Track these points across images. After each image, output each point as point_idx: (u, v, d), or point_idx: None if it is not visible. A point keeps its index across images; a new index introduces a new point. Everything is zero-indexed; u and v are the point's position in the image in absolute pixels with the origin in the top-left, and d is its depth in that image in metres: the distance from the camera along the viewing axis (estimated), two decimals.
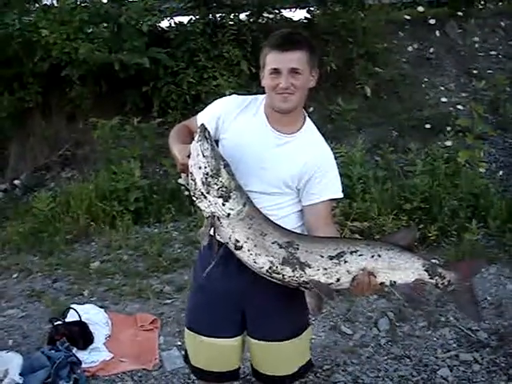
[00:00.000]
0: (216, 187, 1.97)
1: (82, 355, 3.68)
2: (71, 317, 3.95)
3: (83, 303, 4.26)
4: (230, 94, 5.98)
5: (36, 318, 4.14)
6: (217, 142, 2.26)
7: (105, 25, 6.21)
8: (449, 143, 5.93)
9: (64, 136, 6.86)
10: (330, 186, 2.23)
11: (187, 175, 2.04)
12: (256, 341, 2.34)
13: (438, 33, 7.71)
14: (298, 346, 2.37)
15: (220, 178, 1.96)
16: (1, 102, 6.45)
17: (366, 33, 6.81)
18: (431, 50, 7.61)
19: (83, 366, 3.60)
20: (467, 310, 2.29)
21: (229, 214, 1.99)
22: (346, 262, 2.04)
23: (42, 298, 4.48)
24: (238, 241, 2.03)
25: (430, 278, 2.11)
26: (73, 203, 5.59)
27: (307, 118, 2.31)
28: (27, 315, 4.25)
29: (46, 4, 6.20)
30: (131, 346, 3.85)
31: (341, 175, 5.71)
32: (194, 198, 2.03)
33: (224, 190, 1.97)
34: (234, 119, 2.26)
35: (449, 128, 6.21)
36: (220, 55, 6.51)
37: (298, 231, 2.23)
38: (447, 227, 5.08)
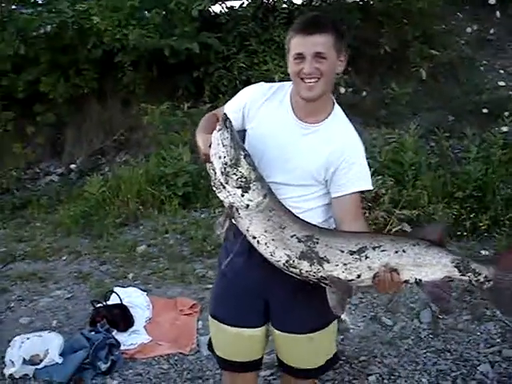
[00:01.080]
0: (235, 177, 1.92)
1: (121, 337, 3.74)
2: (113, 300, 4.04)
3: (127, 286, 4.34)
4: (279, 79, 5.99)
5: (81, 300, 4.24)
6: (244, 131, 2.23)
7: (156, 11, 6.24)
8: (505, 129, 5.68)
9: (118, 121, 7.00)
10: (357, 178, 2.11)
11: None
12: (280, 332, 2.30)
13: (498, 13, 7.38)
14: (322, 340, 2.30)
15: (239, 168, 1.92)
16: (57, 89, 6.61)
17: (422, 14, 6.58)
18: (491, 31, 7.31)
19: (122, 348, 3.66)
20: (507, 310, 2.13)
21: (247, 206, 1.94)
22: (367, 257, 1.94)
23: (88, 280, 4.60)
24: (254, 233, 1.98)
25: (462, 275, 1.97)
26: (123, 187, 5.70)
27: (335, 105, 2.20)
28: (73, 297, 4.37)
29: None
30: (170, 329, 3.90)
31: (392, 161, 5.62)
32: (214, 188, 1.99)
33: (243, 180, 1.93)
34: (259, 108, 2.20)
35: (507, 113, 5.94)
36: (271, 39, 6.46)
37: (326, 225, 2.17)
38: (500, 217, 4.87)
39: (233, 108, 2.25)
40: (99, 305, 3.95)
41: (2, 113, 6.80)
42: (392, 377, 3.29)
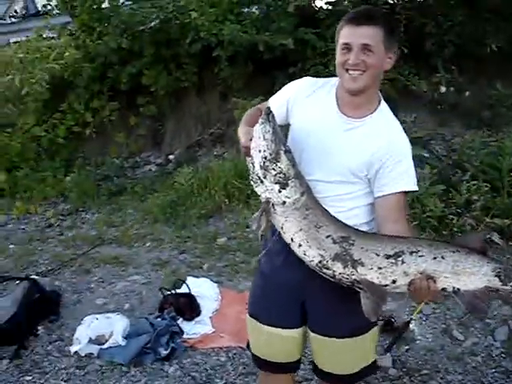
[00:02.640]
0: (274, 172, 1.88)
1: (186, 326, 3.82)
2: (183, 288, 4.12)
3: (200, 276, 4.42)
4: None
5: (155, 286, 4.35)
6: (288, 126, 2.21)
7: (255, 6, 6.29)
8: None
9: (216, 114, 7.12)
10: (402, 177, 2.02)
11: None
12: (314, 334, 2.25)
13: None
14: (358, 346, 2.22)
15: (278, 164, 1.88)
16: (159, 82, 6.83)
17: None
18: None
19: (185, 336, 3.74)
20: None
21: (284, 202, 1.90)
22: (403, 262, 1.86)
23: (165, 267, 4.73)
24: (289, 230, 1.94)
25: (503, 285, 1.88)
26: (211, 180, 5.80)
27: (382, 102, 2.12)
28: (148, 282, 4.52)
29: None
30: (234, 322, 3.90)
31: (489, 166, 5.34)
32: (252, 182, 1.97)
33: (282, 176, 1.88)
34: (303, 103, 2.17)
35: None
36: None
37: (366, 227, 2.09)
38: None
39: (277, 102, 2.23)
40: (168, 292, 4.06)
41: (108, 103, 7.12)
42: None
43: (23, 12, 14.14)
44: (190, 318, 3.91)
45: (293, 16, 6.18)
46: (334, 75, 6.40)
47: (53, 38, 8.02)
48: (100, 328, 3.71)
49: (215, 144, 7.09)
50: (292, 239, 1.94)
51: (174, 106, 7.22)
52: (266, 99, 6.60)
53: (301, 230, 1.92)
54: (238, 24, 6.01)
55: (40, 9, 9.46)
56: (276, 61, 6.42)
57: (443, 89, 6.26)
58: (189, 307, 3.96)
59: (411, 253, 1.86)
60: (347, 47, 1.98)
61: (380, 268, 1.87)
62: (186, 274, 4.45)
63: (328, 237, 1.90)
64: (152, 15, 6.47)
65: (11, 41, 9.49)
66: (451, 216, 4.87)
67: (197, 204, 5.67)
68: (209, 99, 7.16)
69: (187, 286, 4.10)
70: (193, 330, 3.83)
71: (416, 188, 2.07)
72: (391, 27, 2.02)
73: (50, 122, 7.10)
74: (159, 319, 3.81)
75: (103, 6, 6.85)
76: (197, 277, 4.40)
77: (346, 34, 1.98)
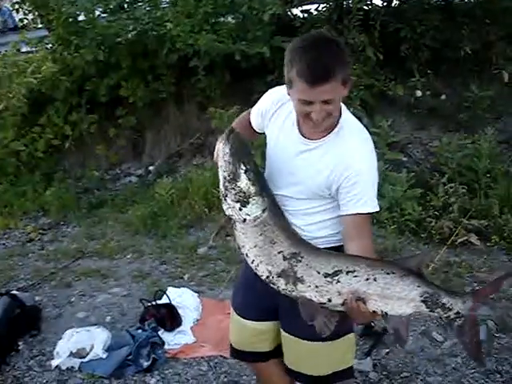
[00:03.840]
0: (233, 192, 1.93)
1: (167, 337, 3.83)
2: (164, 299, 4.12)
3: (181, 287, 4.42)
4: (352, 83, 5.83)
5: (136, 298, 4.32)
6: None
7: (231, 16, 6.33)
8: None
9: (195, 124, 7.13)
10: (358, 199, 1.99)
11: None
12: (283, 332, 2.33)
13: None
14: (331, 351, 2.24)
15: (238, 183, 1.92)
16: (137, 93, 6.83)
17: (506, 14, 6.24)
18: None
19: (166, 347, 3.74)
20: (471, 350, 1.96)
21: (245, 220, 1.95)
22: (338, 281, 1.89)
23: (146, 278, 4.73)
24: (245, 246, 2.00)
25: (430, 311, 1.87)
26: (191, 190, 5.81)
27: (343, 118, 2.06)
28: (129, 294, 4.51)
29: None
30: (215, 331, 3.90)
31: (466, 168, 5.40)
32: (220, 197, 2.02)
33: (242, 195, 1.93)
34: (270, 119, 2.20)
35: None
36: (345, 42, 6.32)
37: (339, 236, 2.11)
38: None
39: (254, 112, 2.32)
40: (149, 304, 4.06)
41: (87, 116, 7.11)
42: None
43: (1, 26, 14.08)
44: (171, 329, 3.91)
45: (268, 25, 6.21)
46: None
47: (30, 52, 8.00)
48: (80, 341, 3.70)
49: (195, 154, 7.09)
50: (247, 254, 2.01)
51: (153, 116, 7.22)
52: (244, 108, 6.66)
53: (255, 246, 1.97)
54: (214, 34, 6.02)
55: (17, 23, 9.41)
56: (253, 69, 6.45)
57: (419, 93, 6.32)
58: (170, 318, 3.96)
59: (347, 272, 1.88)
60: (308, 102, 1.93)
61: (317, 286, 1.92)
62: (167, 285, 4.44)
63: (280, 253, 1.95)
64: (128, 27, 6.49)
65: None
66: (429, 219, 4.93)
67: (177, 214, 5.67)
68: (187, 109, 7.17)
69: (168, 296, 4.09)
70: (174, 340, 3.83)
71: (373, 210, 2.02)
72: (343, 62, 1.93)
73: (28, 136, 7.05)
74: (140, 331, 3.81)
75: (79, 18, 6.84)
76: (177, 287, 4.39)
77: (304, 91, 1.90)
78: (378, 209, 2.03)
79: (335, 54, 1.91)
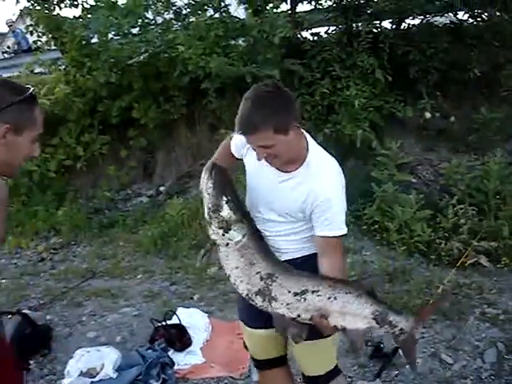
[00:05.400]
0: (217, 220, 2.13)
1: (177, 357, 3.83)
2: (174, 319, 4.14)
3: (190, 307, 4.43)
4: (360, 104, 5.87)
5: (146, 318, 4.34)
6: None
7: (242, 39, 6.41)
8: None
9: (206, 146, 7.17)
10: (327, 223, 2.18)
11: None
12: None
13: None
14: (321, 350, 2.43)
15: (221, 213, 2.12)
16: (149, 114, 6.92)
17: None
18: None
19: (176, 367, 3.74)
20: (409, 357, 2.26)
21: (227, 244, 2.15)
22: (305, 300, 2.11)
23: (156, 299, 4.74)
24: (228, 267, 2.20)
25: (380, 327, 2.10)
26: (201, 210, 5.82)
27: (310, 152, 2.22)
28: (139, 314, 4.53)
29: (185, 20, 6.54)
30: (225, 352, 3.93)
31: (475, 190, 5.40)
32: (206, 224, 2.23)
33: (224, 223, 2.13)
34: (248, 149, 2.31)
35: None
36: (354, 64, 6.40)
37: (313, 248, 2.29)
38: None
39: (234, 141, 2.43)
40: (159, 324, 4.08)
41: (99, 137, 7.20)
42: None
43: (15, 48, 14.30)
44: (180, 349, 3.92)
45: (278, 47, 6.30)
46: (320, 104, 6.42)
47: (43, 73, 8.12)
48: (91, 361, 3.71)
49: None
50: (229, 275, 2.21)
51: (165, 138, 7.30)
52: None
53: (237, 267, 2.17)
54: (225, 56, 6.11)
55: (30, 44, 9.57)
56: None
57: (428, 115, 6.38)
58: (179, 338, 3.97)
59: (313, 292, 2.10)
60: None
61: (288, 304, 2.13)
62: (177, 305, 4.46)
63: (257, 273, 2.15)
64: (140, 49, 6.59)
65: (3, 76, 9.58)
66: (439, 240, 4.93)
67: (188, 235, 5.70)
68: (199, 131, 7.24)
69: (177, 317, 4.11)
70: (184, 360, 3.84)
71: (340, 233, 2.19)
72: (278, 114, 2.04)
73: (41, 157, 7.13)
74: (150, 351, 3.82)
75: (92, 41, 6.96)
76: (187, 307, 4.41)
77: (243, 137, 2.13)
78: (344, 232, 2.21)
79: (268, 107, 2.03)
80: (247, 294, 2.18)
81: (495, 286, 4.45)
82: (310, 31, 6.94)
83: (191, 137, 7.27)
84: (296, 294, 2.11)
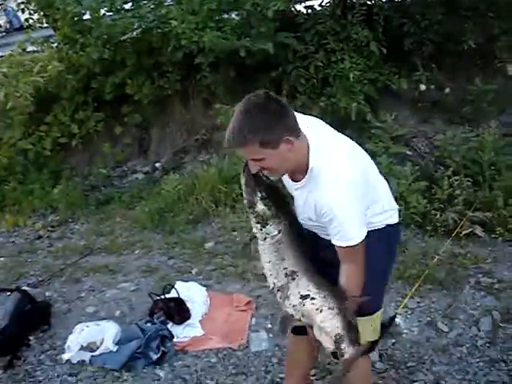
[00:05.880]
0: (254, 215, 2.26)
1: (176, 330, 3.89)
2: (173, 293, 4.18)
3: (189, 281, 4.47)
4: (355, 77, 5.83)
5: (145, 292, 4.39)
6: None
7: (235, 12, 6.36)
8: None
9: (200, 121, 7.17)
10: (335, 233, 2.21)
11: None
12: None
13: None
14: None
15: (255, 209, 2.24)
16: (143, 91, 6.88)
17: (510, 7, 6.24)
18: None
19: (175, 340, 3.81)
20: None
21: (265, 238, 2.28)
22: (304, 305, 2.26)
23: (154, 273, 4.78)
24: (263, 260, 2.34)
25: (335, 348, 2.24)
26: (198, 185, 5.86)
27: (311, 163, 2.19)
28: (138, 289, 4.57)
29: None
30: (223, 324, 3.98)
31: (470, 161, 5.42)
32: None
33: (260, 218, 2.25)
34: None
35: None
36: (349, 37, 6.35)
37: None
38: None
39: None
40: (158, 298, 4.11)
41: (93, 114, 7.17)
42: None
43: (7, 26, 14.15)
44: (179, 322, 3.97)
45: (272, 21, 6.23)
46: (314, 78, 6.41)
47: (36, 51, 8.05)
48: (91, 335, 3.77)
49: (200, 150, 7.13)
50: (263, 267, 2.35)
51: (159, 114, 7.27)
52: None
53: (270, 261, 2.30)
54: (219, 31, 6.05)
55: (22, 23, 9.47)
56: (258, 65, 6.48)
57: (423, 87, 6.35)
58: (178, 311, 4.02)
59: (312, 298, 2.25)
60: None
61: (294, 306, 2.28)
62: (175, 279, 4.50)
63: (284, 269, 2.28)
64: (133, 25, 6.53)
65: None
66: (434, 211, 4.96)
67: (184, 210, 5.73)
68: (193, 106, 7.21)
69: (176, 290, 4.15)
70: (183, 333, 3.90)
71: (350, 243, 2.18)
72: (266, 128, 2.05)
73: (36, 135, 7.12)
74: (149, 324, 3.87)
75: (84, 17, 6.89)
76: (186, 281, 4.45)
77: None
78: (356, 242, 2.18)
79: (255, 121, 2.04)
80: (272, 288, 2.32)
81: (490, 255, 4.49)
82: (303, 4, 6.85)
83: (186, 112, 7.24)
84: (301, 297, 2.24)
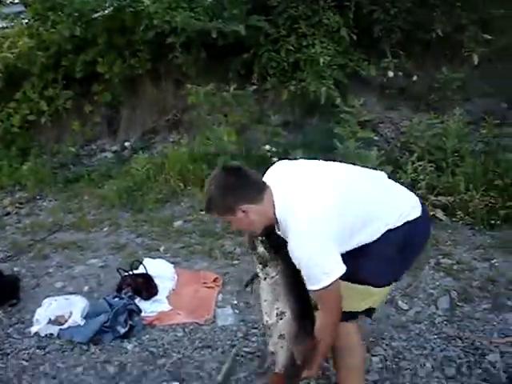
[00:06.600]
0: (256, 256, 2.46)
1: (143, 305, 3.95)
2: (141, 269, 4.23)
3: (157, 258, 4.53)
4: (325, 62, 5.89)
5: (113, 269, 4.43)
6: None
7: None
8: None
9: (171, 101, 7.20)
10: (307, 279, 2.30)
11: None
12: None
13: None
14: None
15: (257, 250, 2.45)
16: (113, 69, 6.87)
17: None
18: None
19: (143, 314, 3.86)
20: None
21: (265, 278, 2.47)
22: (282, 347, 2.52)
23: (123, 250, 4.84)
24: (261, 297, 2.53)
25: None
26: (167, 165, 5.91)
27: (277, 209, 2.34)
28: (106, 265, 4.63)
29: None
30: (190, 300, 4.05)
31: (435, 147, 5.56)
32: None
33: (261, 259, 2.45)
34: None
35: None
36: (320, 22, 6.43)
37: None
38: None
39: None
40: (126, 273, 4.17)
41: (62, 92, 7.13)
42: (396, 359, 3.28)
43: None
44: (147, 298, 4.02)
45: (244, 3, 6.28)
46: (285, 61, 6.45)
47: (6, 27, 7.96)
48: (59, 309, 3.81)
49: (171, 130, 7.17)
50: (260, 304, 2.56)
51: (129, 93, 7.27)
52: (221, 85, 6.72)
53: (266, 300, 2.51)
54: (191, 11, 6.08)
55: None
56: (229, 47, 6.52)
57: (391, 73, 6.47)
58: (146, 287, 4.07)
59: (279, 336, 2.48)
60: None
61: (274, 344, 2.51)
62: (143, 257, 4.55)
63: (277, 309, 2.47)
64: (105, 3, 6.52)
65: None
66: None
67: (153, 189, 5.78)
68: (164, 86, 7.23)
69: (144, 266, 4.21)
70: (150, 308, 3.95)
71: (320, 286, 2.25)
72: (229, 196, 2.30)
73: (4, 112, 7.09)
74: (117, 299, 3.91)
75: None
76: (153, 258, 4.51)
77: None
78: (327, 283, 2.24)
79: (213, 193, 2.33)
80: (264, 325, 2.57)
81: (450, 238, 4.63)
82: None
83: (156, 92, 7.26)
84: (279, 336, 2.47)
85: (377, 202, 2.45)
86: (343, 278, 2.30)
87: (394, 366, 3.20)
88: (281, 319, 2.44)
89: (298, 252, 2.26)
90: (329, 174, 2.47)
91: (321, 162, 2.59)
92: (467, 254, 4.37)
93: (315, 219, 2.24)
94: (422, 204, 2.58)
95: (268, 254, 2.41)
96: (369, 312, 2.63)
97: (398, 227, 2.42)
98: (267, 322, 2.49)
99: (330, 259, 2.26)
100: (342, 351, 2.56)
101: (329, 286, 2.23)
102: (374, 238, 2.40)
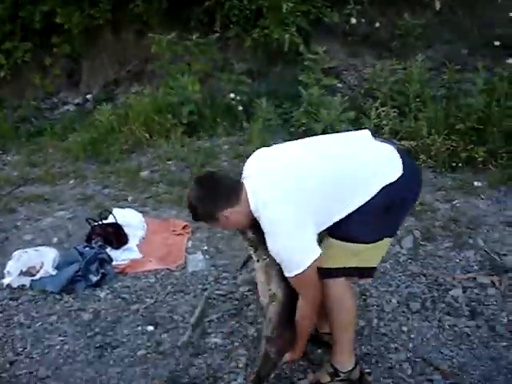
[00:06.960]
0: (248, 241, 2.57)
1: (114, 254, 3.97)
2: (110, 219, 4.25)
3: (125, 207, 4.55)
4: (288, 8, 5.84)
5: (81, 220, 4.43)
6: None
7: None
8: None
9: (132, 52, 7.10)
10: (284, 267, 2.36)
11: None
12: None
13: None
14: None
15: (247, 235, 2.55)
16: (73, 20, 6.71)
17: None
18: None
19: (114, 263, 3.89)
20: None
21: (258, 260, 2.59)
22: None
23: (90, 201, 4.83)
24: (257, 279, 2.67)
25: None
26: (131, 116, 5.86)
27: (252, 210, 2.37)
28: (74, 217, 4.62)
29: None
30: (160, 247, 4.10)
31: (397, 93, 5.63)
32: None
33: (252, 243, 2.56)
34: None
35: None
36: None
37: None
38: (497, 150, 4.83)
39: None
40: (95, 223, 4.18)
41: (21, 44, 6.96)
42: (363, 296, 3.40)
43: None
44: (117, 247, 4.05)
45: None
46: (248, 9, 6.37)
47: None
48: (30, 260, 3.81)
49: (133, 81, 7.08)
50: (257, 283, 2.70)
51: (89, 44, 7.14)
52: (183, 35, 6.63)
53: (259, 281, 2.65)
54: None
55: None
56: None
57: (354, 20, 6.48)
58: (116, 236, 4.09)
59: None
60: None
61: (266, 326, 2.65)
62: (112, 207, 4.55)
63: (269, 290, 2.59)
64: None
65: None
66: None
67: (118, 140, 5.74)
68: (124, 36, 7.11)
69: (113, 216, 4.22)
70: (121, 256, 3.98)
71: (294, 273, 2.30)
72: (208, 203, 2.37)
73: None
74: (87, 248, 3.93)
75: None
76: (122, 208, 4.52)
77: None
78: (301, 270, 2.28)
79: (193, 202, 2.42)
80: (262, 308, 2.74)
81: None
82: None
83: (117, 43, 7.14)
84: (269, 320, 2.59)
85: (353, 174, 2.40)
86: (328, 234, 2.44)
87: (361, 303, 3.30)
88: (272, 301, 2.55)
89: (271, 245, 2.32)
90: (297, 155, 2.45)
91: (292, 145, 2.55)
92: (430, 196, 4.49)
93: (286, 213, 2.28)
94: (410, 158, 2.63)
95: (257, 237, 2.45)
96: (370, 271, 2.63)
97: (379, 191, 2.37)
98: (263, 302, 2.64)
99: (302, 245, 2.30)
100: (334, 307, 2.52)
101: (304, 271, 2.28)
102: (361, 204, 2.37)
